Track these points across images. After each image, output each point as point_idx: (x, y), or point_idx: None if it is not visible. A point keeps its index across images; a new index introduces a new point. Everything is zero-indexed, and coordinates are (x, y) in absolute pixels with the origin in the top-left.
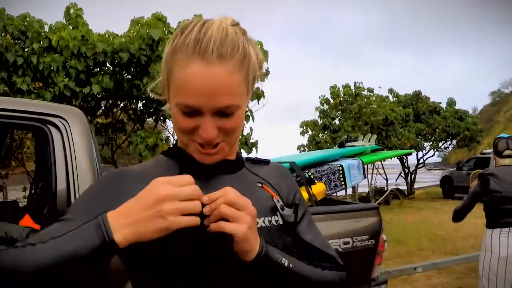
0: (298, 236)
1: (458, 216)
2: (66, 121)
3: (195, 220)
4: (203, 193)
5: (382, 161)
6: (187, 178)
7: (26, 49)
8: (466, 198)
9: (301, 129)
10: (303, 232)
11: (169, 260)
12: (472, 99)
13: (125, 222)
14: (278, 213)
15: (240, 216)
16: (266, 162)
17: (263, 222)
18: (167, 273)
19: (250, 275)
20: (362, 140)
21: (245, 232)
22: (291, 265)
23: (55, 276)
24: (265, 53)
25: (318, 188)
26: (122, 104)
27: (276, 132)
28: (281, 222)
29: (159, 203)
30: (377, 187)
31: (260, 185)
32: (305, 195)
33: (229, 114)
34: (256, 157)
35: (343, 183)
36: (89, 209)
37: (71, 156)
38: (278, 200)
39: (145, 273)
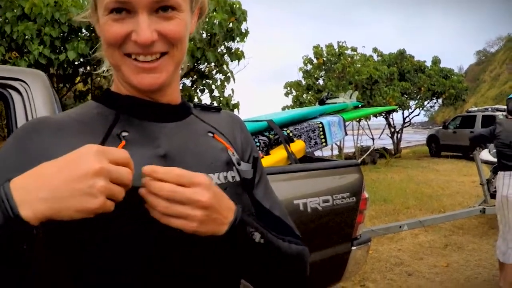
0: (255, 201)
1: (471, 139)
2: (27, 84)
3: (111, 208)
4: (142, 146)
5: (368, 121)
6: (124, 154)
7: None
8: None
9: (285, 90)
10: (261, 198)
11: (108, 244)
12: (458, 59)
13: (40, 195)
14: (234, 168)
15: (186, 214)
16: (217, 109)
17: (218, 178)
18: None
19: (214, 252)
20: (343, 97)
21: (195, 229)
22: (262, 241)
23: None
24: (244, 13)
25: (297, 146)
26: (100, 70)
27: (262, 94)
28: (238, 178)
29: (92, 177)
30: (363, 146)
31: (211, 134)
32: (284, 153)
33: (168, 13)
34: (205, 103)
35: (323, 140)
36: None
37: None
38: (233, 153)
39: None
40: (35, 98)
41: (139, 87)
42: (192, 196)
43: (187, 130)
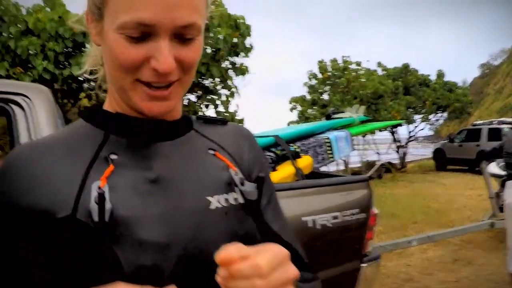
0: (263, 224)
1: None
2: (30, 99)
3: None
4: (132, 170)
5: (373, 135)
6: None
7: (4, 34)
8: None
9: (290, 105)
10: (270, 220)
11: None
12: (462, 72)
13: None
14: (237, 188)
15: None
16: (222, 122)
17: (218, 202)
18: None
19: None
20: (350, 112)
21: None
22: None
23: None
24: (248, 28)
25: (305, 162)
26: (104, 86)
27: (267, 109)
28: (241, 200)
29: None
30: (369, 161)
31: (212, 152)
32: (291, 169)
33: (189, 40)
34: (209, 116)
35: (330, 155)
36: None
37: (36, 136)
38: (236, 172)
39: None
40: (38, 113)
41: (149, 114)
42: (290, 276)
43: (184, 149)
